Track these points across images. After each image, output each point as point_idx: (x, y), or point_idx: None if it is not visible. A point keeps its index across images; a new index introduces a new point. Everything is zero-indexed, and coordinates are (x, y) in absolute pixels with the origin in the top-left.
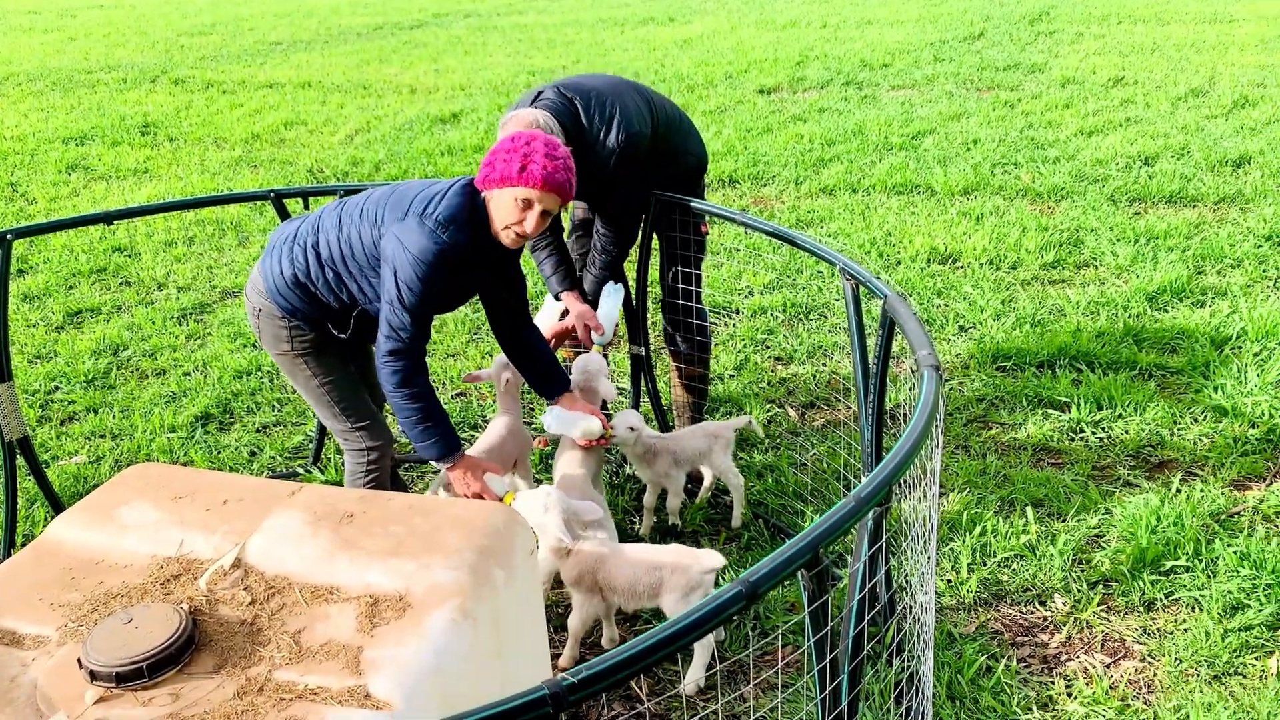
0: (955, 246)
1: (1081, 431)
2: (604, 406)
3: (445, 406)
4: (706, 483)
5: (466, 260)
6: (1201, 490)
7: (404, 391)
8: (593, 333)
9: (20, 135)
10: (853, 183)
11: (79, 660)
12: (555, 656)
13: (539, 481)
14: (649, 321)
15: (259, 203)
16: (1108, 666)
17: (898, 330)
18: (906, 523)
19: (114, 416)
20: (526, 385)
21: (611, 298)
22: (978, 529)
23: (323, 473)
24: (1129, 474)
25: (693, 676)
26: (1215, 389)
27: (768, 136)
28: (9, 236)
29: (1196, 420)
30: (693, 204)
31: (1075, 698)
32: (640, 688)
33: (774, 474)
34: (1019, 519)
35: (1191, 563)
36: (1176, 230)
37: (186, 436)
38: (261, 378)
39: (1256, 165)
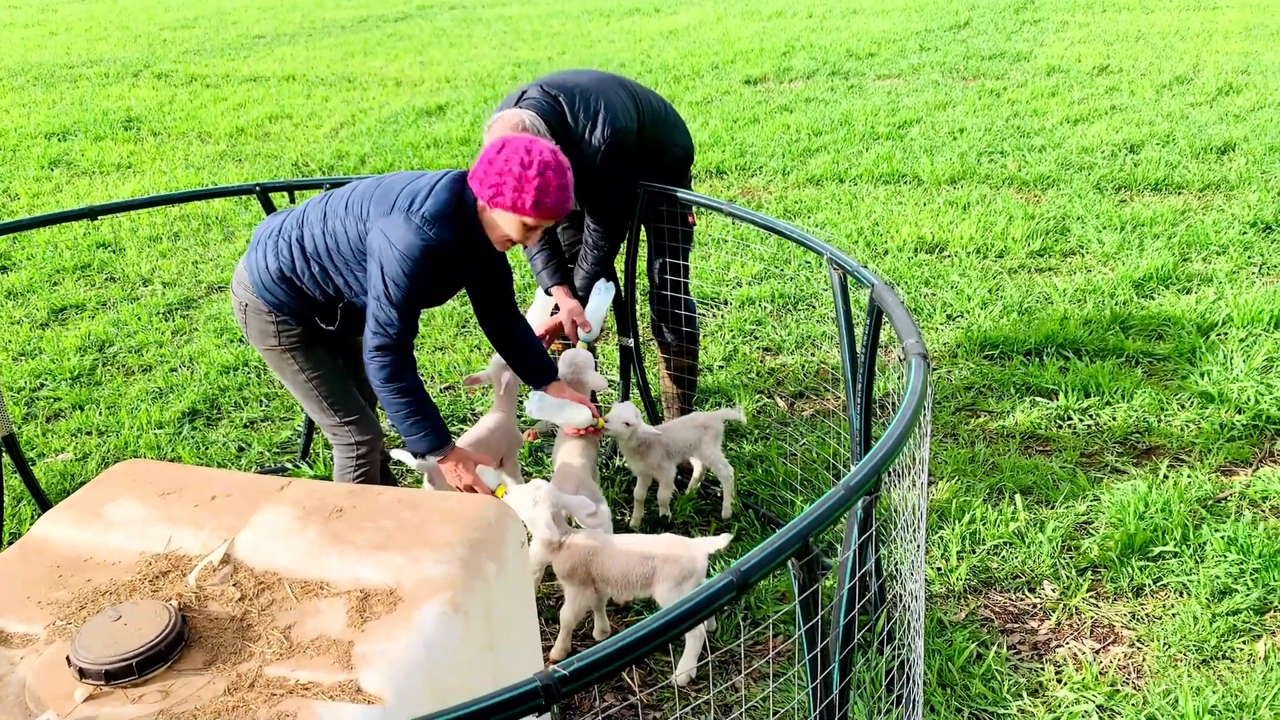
0: (942, 235)
1: (1069, 419)
2: (594, 398)
3: (434, 400)
4: (696, 473)
5: (454, 256)
6: (1189, 476)
7: (392, 386)
8: (579, 329)
9: (2, 131)
10: (840, 173)
11: (68, 658)
12: (547, 649)
13: (528, 476)
14: (638, 313)
15: (244, 197)
16: (1097, 652)
17: (885, 319)
18: (896, 511)
19: (100, 413)
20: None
21: (601, 295)
22: (967, 517)
23: (311, 468)
24: (1117, 461)
25: (684, 667)
26: (1201, 375)
27: (754, 127)
28: None
29: (1183, 406)
30: (680, 195)
31: (1065, 683)
32: (632, 679)
33: (763, 464)
34: (1008, 506)
35: (1179, 548)
36: (1162, 217)
37: (174, 432)
38: (249, 373)
39: (1241, 152)
